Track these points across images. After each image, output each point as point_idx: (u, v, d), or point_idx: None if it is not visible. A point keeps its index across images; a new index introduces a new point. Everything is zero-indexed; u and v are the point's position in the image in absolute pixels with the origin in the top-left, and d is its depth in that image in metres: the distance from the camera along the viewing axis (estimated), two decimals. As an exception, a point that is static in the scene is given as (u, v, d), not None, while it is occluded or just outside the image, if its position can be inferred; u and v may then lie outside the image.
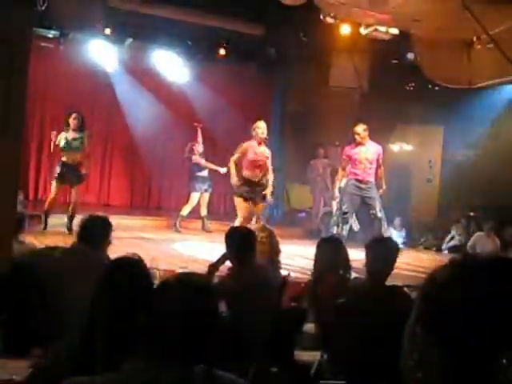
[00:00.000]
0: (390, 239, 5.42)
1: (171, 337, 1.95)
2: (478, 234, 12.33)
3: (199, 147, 12.43)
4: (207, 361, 2.01)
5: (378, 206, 9.89)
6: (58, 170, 10.10)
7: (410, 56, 12.31)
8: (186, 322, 1.96)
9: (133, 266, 2.79)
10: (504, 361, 1.10)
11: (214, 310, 2.07)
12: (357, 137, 10.01)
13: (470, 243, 12.21)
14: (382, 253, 4.42)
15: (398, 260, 4.52)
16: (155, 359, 1.95)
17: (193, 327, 1.96)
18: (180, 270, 6.11)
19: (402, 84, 14.31)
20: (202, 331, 1.98)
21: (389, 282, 4.47)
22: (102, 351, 2.52)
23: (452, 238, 13.54)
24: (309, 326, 4.74)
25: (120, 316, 2.55)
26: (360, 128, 10.05)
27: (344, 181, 10.41)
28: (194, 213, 12.52)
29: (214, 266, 5.62)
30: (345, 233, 9.93)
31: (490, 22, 8.21)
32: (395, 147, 15.75)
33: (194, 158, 12.33)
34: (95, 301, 2.70)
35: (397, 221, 13.63)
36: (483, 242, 11.96)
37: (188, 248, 9.77)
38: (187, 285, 2.05)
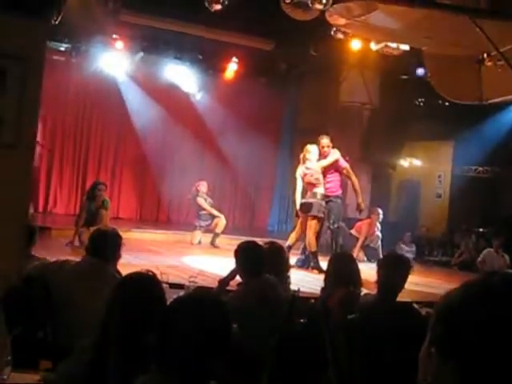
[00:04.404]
0: (402, 256, 5.40)
1: (184, 353, 1.95)
2: (487, 250, 12.27)
3: (203, 188, 12.51)
4: (219, 377, 2.01)
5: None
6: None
7: (420, 72, 12.33)
8: (199, 339, 1.96)
9: (146, 282, 2.79)
10: None
11: (227, 326, 2.07)
12: (327, 149, 10.14)
13: (479, 259, 12.14)
14: (394, 270, 4.41)
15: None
16: (168, 375, 1.95)
17: (206, 344, 1.96)
18: (189, 284, 6.11)
19: (411, 99, 14.32)
20: (215, 348, 1.98)
21: (398, 297, 4.46)
22: (114, 366, 2.52)
23: (461, 253, 13.49)
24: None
25: (133, 331, 2.55)
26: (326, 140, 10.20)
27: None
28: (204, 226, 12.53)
29: (224, 281, 5.62)
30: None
31: (500, 39, 8.21)
32: (405, 162, 15.73)
33: (198, 199, 12.44)
34: (108, 315, 2.70)
35: (406, 236, 13.59)
36: (492, 259, 11.89)
37: (197, 262, 9.76)
38: (200, 303, 2.05)
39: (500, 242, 12.14)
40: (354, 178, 10.56)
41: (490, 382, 1.11)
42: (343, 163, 10.38)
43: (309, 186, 9.93)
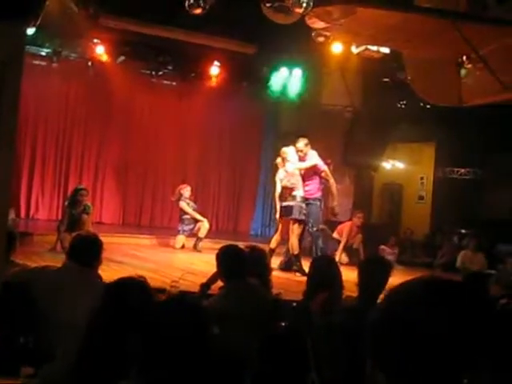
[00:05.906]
0: (383, 258, 5.43)
1: (163, 358, 1.95)
2: (463, 251, 12.33)
3: (186, 192, 12.48)
4: (198, 382, 2.01)
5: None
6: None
7: (401, 74, 12.40)
8: (177, 344, 1.95)
9: (139, 287, 2.78)
10: (465, 381, 1.11)
11: (206, 332, 2.06)
12: (301, 153, 10.14)
13: (458, 263, 12.18)
14: (375, 272, 4.43)
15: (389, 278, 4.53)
16: (148, 380, 1.94)
17: (183, 349, 1.96)
18: (170, 289, 6.09)
19: (393, 102, 14.37)
20: (194, 353, 1.98)
21: (379, 299, 4.47)
22: (97, 371, 2.51)
23: (444, 254, 13.55)
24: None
25: (120, 336, 2.54)
26: (301, 144, 10.17)
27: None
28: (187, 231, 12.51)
29: (205, 285, 5.61)
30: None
31: (479, 42, 8.27)
32: (387, 165, 15.80)
33: (180, 203, 12.42)
34: (95, 320, 2.67)
35: (391, 240, 13.62)
36: (470, 260, 11.96)
37: (179, 266, 9.74)
38: (178, 308, 2.04)
39: (476, 243, 12.20)
40: (332, 180, 10.57)
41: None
42: (322, 166, 10.38)
43: (287, 189, 9.93)
